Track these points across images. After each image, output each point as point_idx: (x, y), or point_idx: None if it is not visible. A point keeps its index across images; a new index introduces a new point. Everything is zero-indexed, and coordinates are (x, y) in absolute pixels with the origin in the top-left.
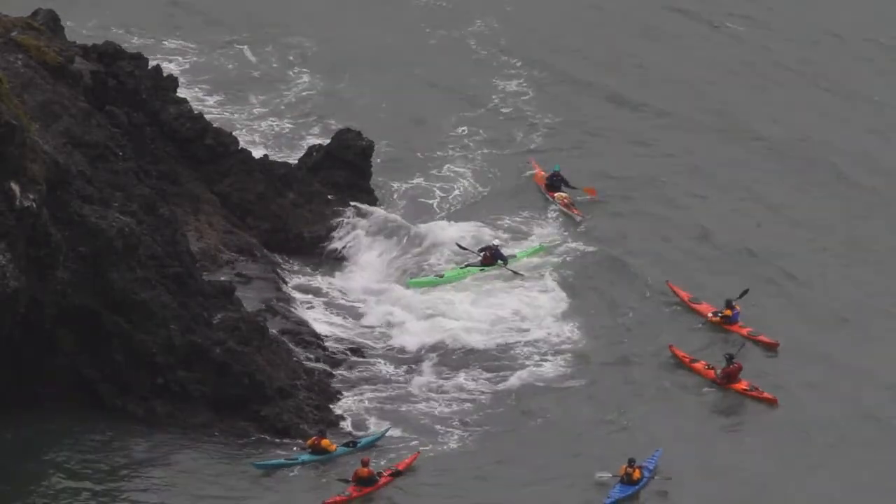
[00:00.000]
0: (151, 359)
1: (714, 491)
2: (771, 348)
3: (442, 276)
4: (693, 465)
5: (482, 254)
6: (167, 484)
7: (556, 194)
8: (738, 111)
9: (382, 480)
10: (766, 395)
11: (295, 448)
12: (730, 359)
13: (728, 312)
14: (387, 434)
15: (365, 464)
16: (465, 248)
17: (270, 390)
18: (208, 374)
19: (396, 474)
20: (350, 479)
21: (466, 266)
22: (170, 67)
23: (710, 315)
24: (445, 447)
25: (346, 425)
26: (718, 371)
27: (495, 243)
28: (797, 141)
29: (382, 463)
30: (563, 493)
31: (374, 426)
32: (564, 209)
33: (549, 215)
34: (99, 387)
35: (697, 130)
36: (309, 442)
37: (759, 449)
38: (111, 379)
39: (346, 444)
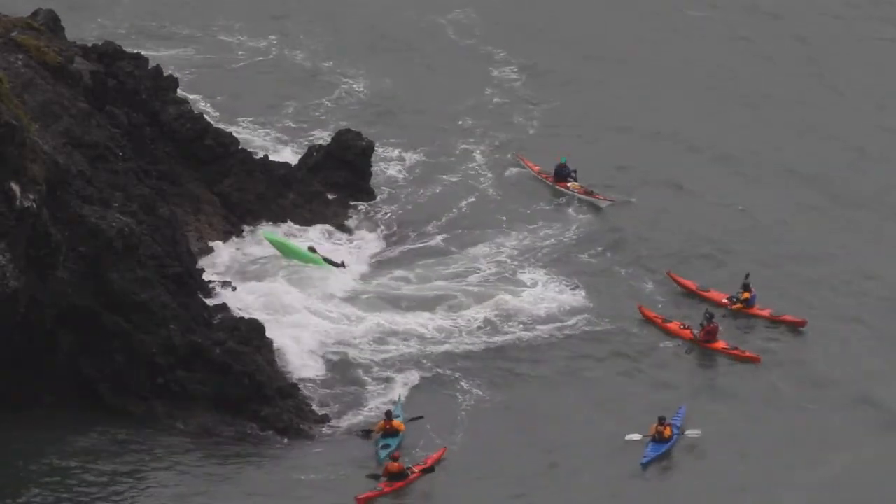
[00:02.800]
0: (151, 359)
1: (742, 445)
2: (798, 326)
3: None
4: (715, 423)
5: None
6: (169, 485)
7: (569, 184)
8: (723, 84)
9: (413, 476)
10: (748, 354)
11: (363, 432)
12: (710, 318)
13: (746, 295)
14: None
15: (395, 459)
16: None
17: (270, 390)
18: (208, 374)
19: (427, 470)
20: (380, 475)
21: (321, 256)
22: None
23: (725, 300)
24: (466, 432)
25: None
26: (695, 330)
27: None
28: (805, 121)
29: (420, 451)
30: (596, 457)
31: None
32: (585, 196)
33: (555, 206)
34: (99, 387)
35: (689, 105)
36: (379, 427)
37: (778, 406)
38: (111, 379)
39: (412, 420)
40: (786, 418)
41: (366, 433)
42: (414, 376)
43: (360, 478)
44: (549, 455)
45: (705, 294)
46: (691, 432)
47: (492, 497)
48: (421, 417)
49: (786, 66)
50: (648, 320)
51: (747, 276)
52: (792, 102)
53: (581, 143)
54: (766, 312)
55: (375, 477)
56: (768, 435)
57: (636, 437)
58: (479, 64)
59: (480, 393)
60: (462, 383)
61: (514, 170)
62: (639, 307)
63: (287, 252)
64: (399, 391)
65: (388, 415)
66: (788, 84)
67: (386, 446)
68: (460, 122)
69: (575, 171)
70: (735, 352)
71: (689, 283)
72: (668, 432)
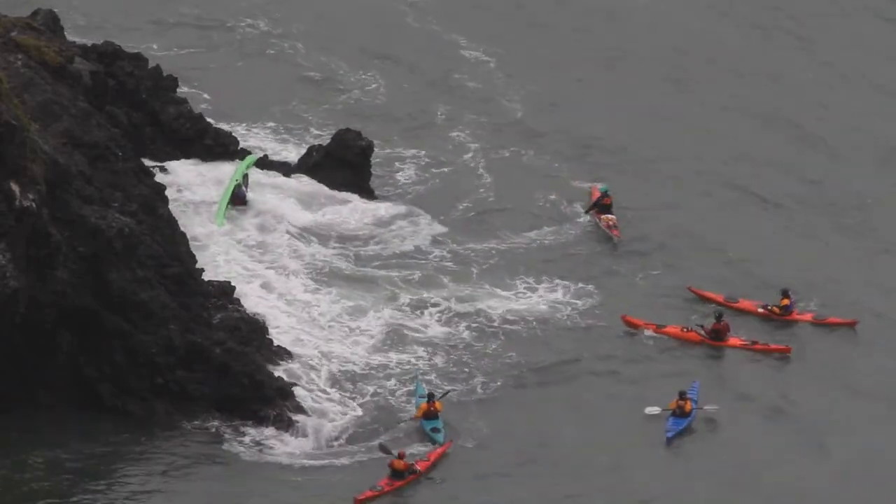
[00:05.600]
0: (151, 359)
1: (760, 418)
2: (849, 327)
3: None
4: (730, 399)
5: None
6: (168, 486)
7: (603, 216)
8: (689, 61)
9: (415, 475)
10: (774, 346)
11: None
12: (719, 316)
13: (785, 302)
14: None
15: (401, 456)
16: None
17: (270, 390)
18: (208, 374)
19: (430, 467)
20: (390, 450)
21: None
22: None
23: (760, 310)
24: (476, 420)
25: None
26: (702, 331)
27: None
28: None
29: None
30: (617, 433)
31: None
32: (606, 230)
33: (555, 202)
34: (99, 387)
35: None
36: (421, 411)
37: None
38: (111, 379)
39: (441, 396)
40: (806, 400)
41: (385, 450)
42: (416, 371)
43: (363, 477)
44: (565, 437)
45: (734, 305)
46: (710, 407)
47: (511, 479)
48: (450, 391)
49: (784, 46)
50: (638, 329)
51: (784, 290)
52: (803, 89)
53: (571, 127)
54: (808, 317)
55: (386, 450)
56: (787, 416)
57: (655, 410)
58: (447, 48)
59: (487, 383)
60: (466, 375)
61: (504, 154)
62: (622, 317)
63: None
64: (419, 368)
65: (430, 397)
66: (789, 67)
67: (435, 429)
68: (444, 113)
69: (611, 205)
70: (757, 346)
71: (714, 295)
72: (688, 406)
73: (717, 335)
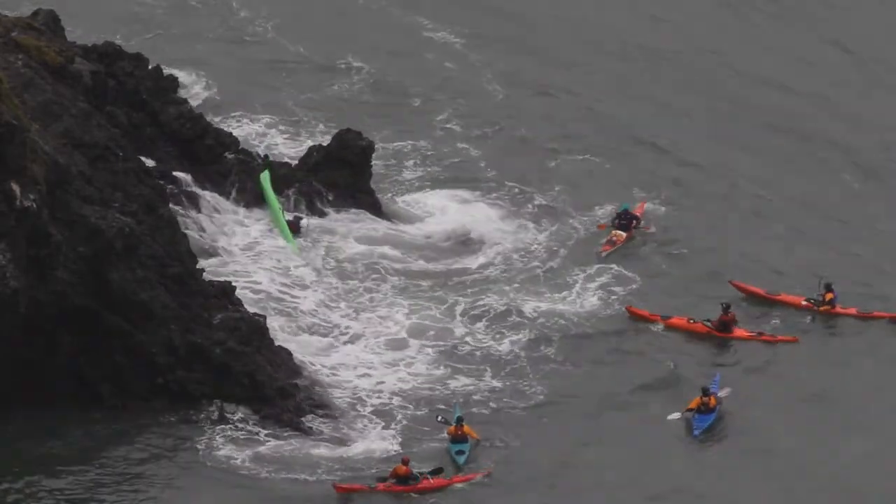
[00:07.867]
0: (151, 359)
1: (786, 407)
2: (893, 321)
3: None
4: (749, 392)
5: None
6: (168, 486)
7: (618, 232)
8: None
9: (423, 483)
10: (781, 337)
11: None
12: (726, 308)
13: (830, 296)
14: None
15: (405, 462)
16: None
17: (270, 390)
18: (208, 374)
19: (437, 487)
20: (387, 477)
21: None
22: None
23: (804, 303)
24: (502, 433)
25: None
26: (708, 322)
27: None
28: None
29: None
30: (647, 434)
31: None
32: (606, 242)
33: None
34: (99, 387)
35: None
36: (449, 432)
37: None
38: (111, 379)
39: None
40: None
41: (445, 420)
42: (454, 399)
43: (364, 476)
44: (593, 449)
45: (776, 298)
46: (723, 392)
47: (537, 490)
48: (479, 441)
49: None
50: (643, 320)
51: (827, 284)
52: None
53: (552, 106)
54: (852, 310)
55: (446, 421)
56: (806, 404)
57: (676, 415)
58: (411, 30)
59: (512, 390)
60: (484, 380)
61: (499, 139)
62: (627, 308)
63: (267, 201)
64: (456, 399)
65: (459, 420)
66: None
67: (460, 452)
68: (426, 98)
69: (636, 219)
70: (764, 337)
71: (755, 288)
72: (713, 402)
73: (724, 327)
